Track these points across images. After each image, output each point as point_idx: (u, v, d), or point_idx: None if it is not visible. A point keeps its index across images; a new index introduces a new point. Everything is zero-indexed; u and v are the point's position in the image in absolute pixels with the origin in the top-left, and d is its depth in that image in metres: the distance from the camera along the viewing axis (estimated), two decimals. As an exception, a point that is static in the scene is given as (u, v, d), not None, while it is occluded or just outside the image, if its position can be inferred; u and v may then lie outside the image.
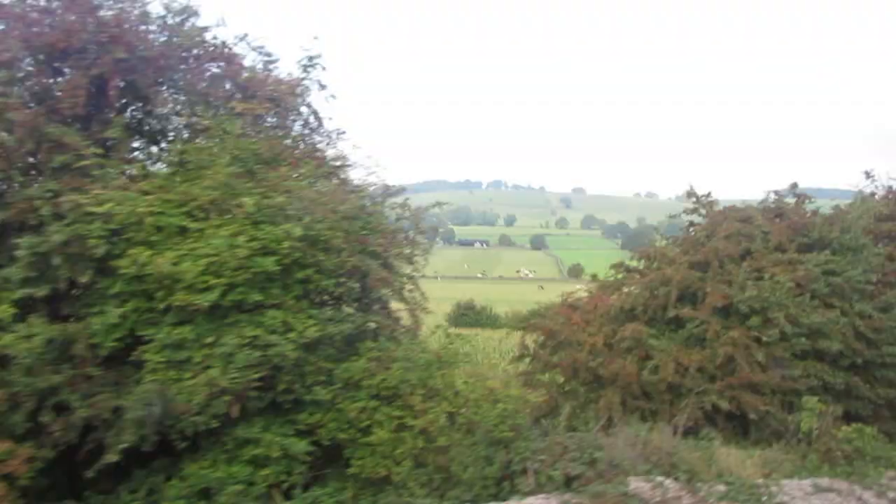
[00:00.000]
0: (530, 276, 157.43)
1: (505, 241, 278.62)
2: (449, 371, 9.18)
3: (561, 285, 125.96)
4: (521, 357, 17.07)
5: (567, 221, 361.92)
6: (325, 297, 9.60)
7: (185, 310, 7.77)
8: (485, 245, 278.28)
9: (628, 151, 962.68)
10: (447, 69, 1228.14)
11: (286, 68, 11.60)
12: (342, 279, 9.44)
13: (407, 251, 10.40)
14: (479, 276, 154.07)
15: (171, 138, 10.14)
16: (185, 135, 9.96)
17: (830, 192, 22.45)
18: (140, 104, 9.72)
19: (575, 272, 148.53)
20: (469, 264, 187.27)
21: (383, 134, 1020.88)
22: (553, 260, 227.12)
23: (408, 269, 10.42)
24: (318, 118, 11.09)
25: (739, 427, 13.65)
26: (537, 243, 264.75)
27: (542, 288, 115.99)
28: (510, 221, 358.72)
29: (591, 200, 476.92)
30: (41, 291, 7.69)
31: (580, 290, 17.80)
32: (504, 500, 7.67)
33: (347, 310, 9.64)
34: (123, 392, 7.56)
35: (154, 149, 10.23)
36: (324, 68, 10.82)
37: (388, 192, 11.03)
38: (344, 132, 11.30)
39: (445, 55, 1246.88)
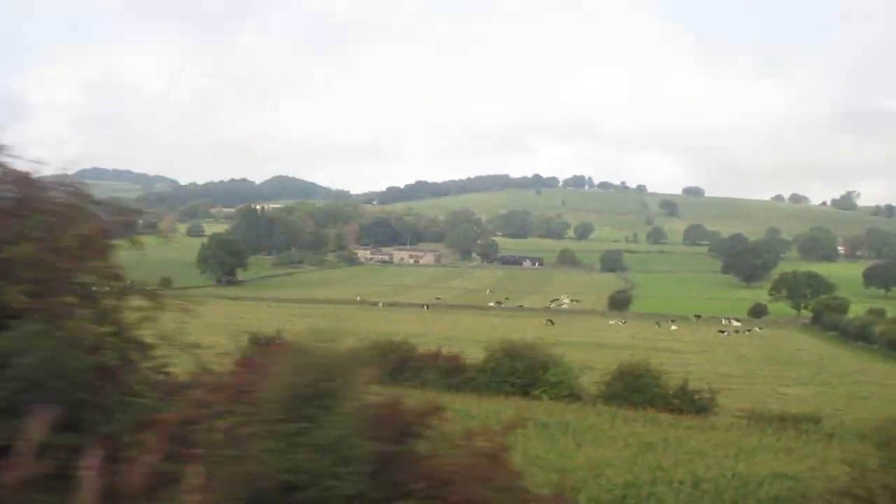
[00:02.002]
0: (565, 306, 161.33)
1: (567, 260, 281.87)
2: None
3: (600, 320, 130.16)
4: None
5: (664, 233, 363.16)
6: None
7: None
8: (537, 264, 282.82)
9: (761, 143, 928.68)
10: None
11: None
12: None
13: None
14: (492, 305, 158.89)
15: None
16: None
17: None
18: None
19: (620, 303, 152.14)
20: (494, 290, 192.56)
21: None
22: (630, 286, 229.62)
23: None
24: None
25: None
26: (611, 263, 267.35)
27: (550, 323, 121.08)
28: (583, 233, 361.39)
29: (708, 205, 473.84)
30: None
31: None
32: None
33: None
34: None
35: None
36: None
37: None
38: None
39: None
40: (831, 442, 32.06)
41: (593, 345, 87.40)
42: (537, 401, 38.17)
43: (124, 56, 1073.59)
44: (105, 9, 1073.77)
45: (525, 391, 38.80)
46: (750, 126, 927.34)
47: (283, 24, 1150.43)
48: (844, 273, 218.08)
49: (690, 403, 36.68)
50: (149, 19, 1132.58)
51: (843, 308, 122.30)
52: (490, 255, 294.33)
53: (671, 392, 37.16)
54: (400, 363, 41.32)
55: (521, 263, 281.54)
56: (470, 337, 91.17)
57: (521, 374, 39.02)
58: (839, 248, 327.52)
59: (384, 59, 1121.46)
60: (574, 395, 38.47)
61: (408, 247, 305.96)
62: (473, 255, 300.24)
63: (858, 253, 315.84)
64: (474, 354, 45.38)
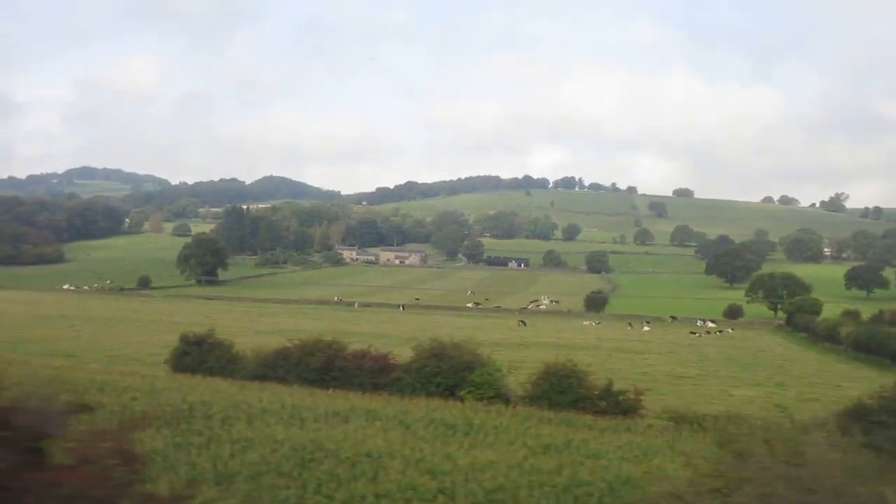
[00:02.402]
0: (543, 307, 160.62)
1: (553, 261, 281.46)
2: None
3: (574, 321, 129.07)
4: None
5: (651, 235, 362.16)
6: None
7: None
8: (522, 265, 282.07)
9: (760, 143, 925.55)
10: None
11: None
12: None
13: None
14: (470, 305, 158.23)
15: None
16: None
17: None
18: None
19: (596, 303, 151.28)
20: (476, 291, 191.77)
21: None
22: (612, 286, 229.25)
23: None
24: None
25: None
26: (596, 264, 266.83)
27: (522, 324, 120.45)
28: (571, 234, 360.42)
29: (697, 207, 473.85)
30: None
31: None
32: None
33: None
34: None
35: None
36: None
37: None
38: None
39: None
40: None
41: (557, 346, 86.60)
42: (461, 402, 37.61)
43: (116, 55, 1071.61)
44: (97, 8, 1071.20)
45: (451, 392, 38.20)
46: (742, 128, 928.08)
47: (276, 25, 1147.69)
48: (828, 275, 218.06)
49: (615, 405, 36.04)
50: (141, 19, 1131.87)
51: (815, 309, 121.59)
52: (476, 256, 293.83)
53: (596, 393, 36.49)
54: (326, 363, 40.68)
55: (506, 264, 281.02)
56: (434, 337, 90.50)
57: (447, 374, 38.36)
58: (825, 249, 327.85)
59: (377, 61, 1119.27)
60: (500, 396, 37.82)
61: (394, 247, 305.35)
62: (459, 255, 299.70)
63: (844, 255, 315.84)
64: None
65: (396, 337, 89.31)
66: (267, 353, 42.70)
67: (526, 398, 37.95)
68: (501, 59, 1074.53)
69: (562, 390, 36.57)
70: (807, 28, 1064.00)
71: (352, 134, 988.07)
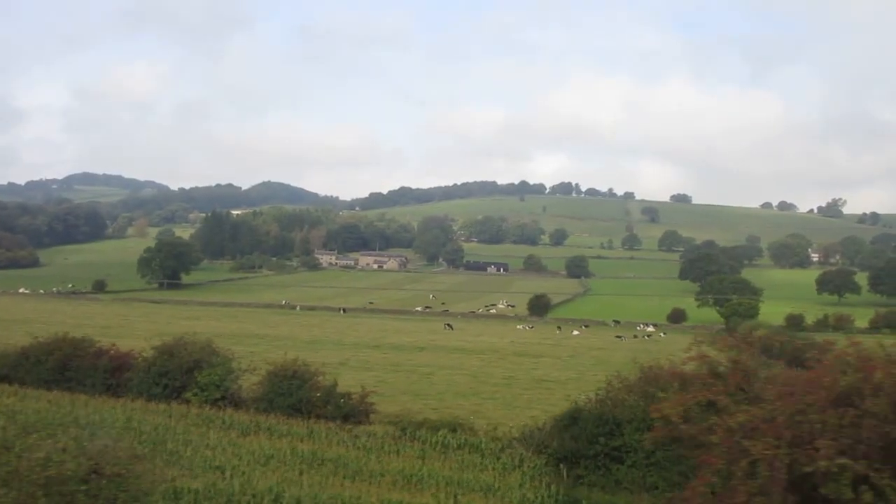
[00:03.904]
0: (494, 311, 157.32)
1: (533, 265, 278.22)
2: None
3: (512, 324, 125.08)
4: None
5: (639, 240, 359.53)
6: None
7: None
8: (502, 270, 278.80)
9: (758, 149, 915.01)
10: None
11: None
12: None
13: None
14: (419, 309, 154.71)
15: None
16: None
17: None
18: None
19: (539, 307, 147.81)
20: (440, 294, 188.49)
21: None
22: (584, 290, 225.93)
23: None
24: None
25: None
26: (576, 269, 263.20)
27: (449, 327, 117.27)
28: (559, 239, 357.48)
29: (692, 212, 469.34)
30: None
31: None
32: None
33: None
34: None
35: None
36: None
37: None
38: None
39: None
40: (416, 450, 28.76)
41: (456, 349, 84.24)
42: (186, 405, 34.56)
43: (117, 63, 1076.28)
44: (98, 16, 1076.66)
45: (179, 393, 35.18)
46: (742, 134, 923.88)
47: (275, 32, 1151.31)
48: (807, 280, 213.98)
49: (336, 409, 32.91)
50: (141, 27, 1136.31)
51: (752, 313, 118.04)
52: (456, 261, 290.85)
53: (318, 395, 33.37)
54: (62, 363, 37.84)
55: (485, 269, 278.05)
56: (333, 340, 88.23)
57: (174, 374, 35.38)
58: (813, 255, 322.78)
59: (376, 67, 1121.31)
60: (229, 398, 34.73)
61: (374, 252, 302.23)
62: (440, 260, 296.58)
63: (832, 260, 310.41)
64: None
65: (299, 339, 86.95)
66: (11, 352, 40.01)
67: (257, 400, 34.94)
68: (501, 65, 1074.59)
69: (282, 392, 33.60)
70: (807, 35, 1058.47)
71: (351, 140, 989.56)
